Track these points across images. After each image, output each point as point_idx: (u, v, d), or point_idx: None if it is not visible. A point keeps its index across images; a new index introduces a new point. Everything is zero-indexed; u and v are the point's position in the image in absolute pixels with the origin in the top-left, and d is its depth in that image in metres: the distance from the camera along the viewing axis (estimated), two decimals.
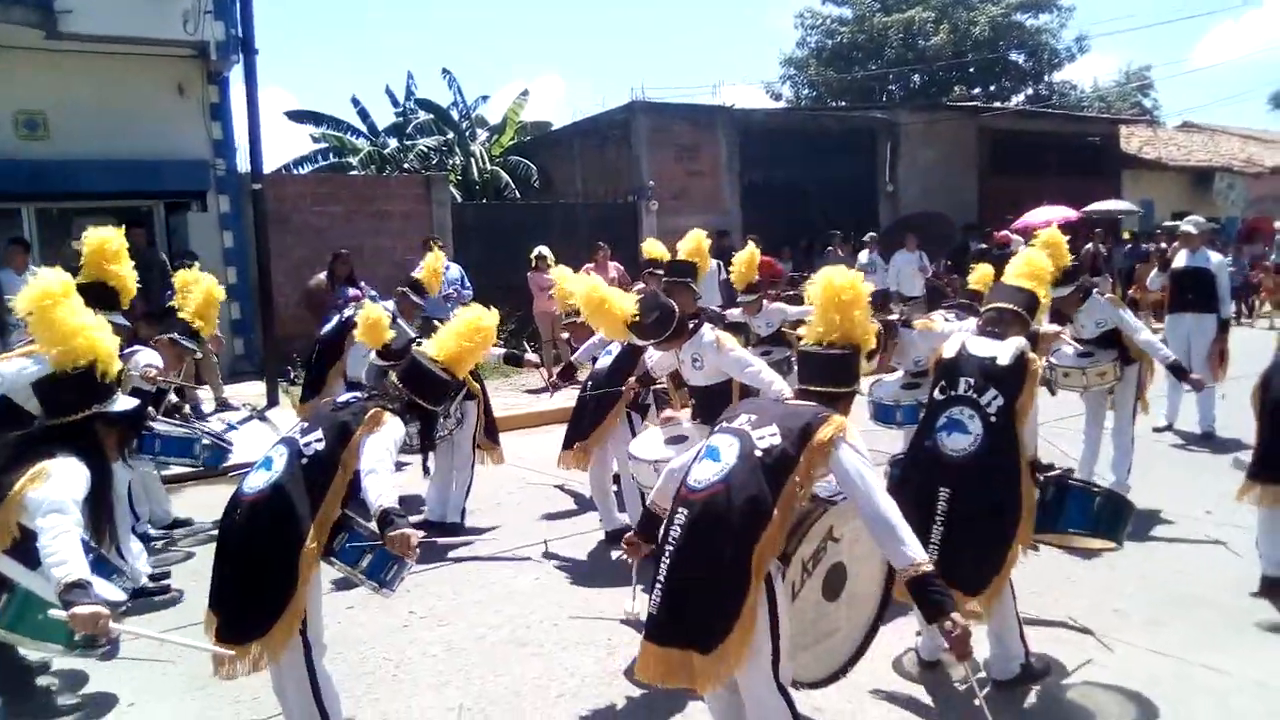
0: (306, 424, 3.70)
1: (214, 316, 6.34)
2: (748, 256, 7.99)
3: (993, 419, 3.89)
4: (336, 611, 5.08)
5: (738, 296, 8.41)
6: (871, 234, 15.60)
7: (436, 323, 8.29)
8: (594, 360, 6.46)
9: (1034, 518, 3.89)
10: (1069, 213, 16.37)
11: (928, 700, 4.10)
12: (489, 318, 4.13)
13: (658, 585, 3.12)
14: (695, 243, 7.34)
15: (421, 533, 3.29)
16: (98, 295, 4.90)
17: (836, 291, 3.40)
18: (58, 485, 2.96)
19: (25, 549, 2.98)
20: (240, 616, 3.42)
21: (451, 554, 6.20)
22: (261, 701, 4.05)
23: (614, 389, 5.86)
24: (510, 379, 12.27)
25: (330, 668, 3.94)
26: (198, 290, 6.31)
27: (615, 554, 6.10)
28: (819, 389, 3.35)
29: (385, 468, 3.41)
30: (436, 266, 7.86)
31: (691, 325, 5.01)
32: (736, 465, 3.07)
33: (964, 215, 19.73)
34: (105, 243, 5.53)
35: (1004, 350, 4.02)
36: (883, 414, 5.99)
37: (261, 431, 9.74)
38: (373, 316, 6.59)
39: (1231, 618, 4.72)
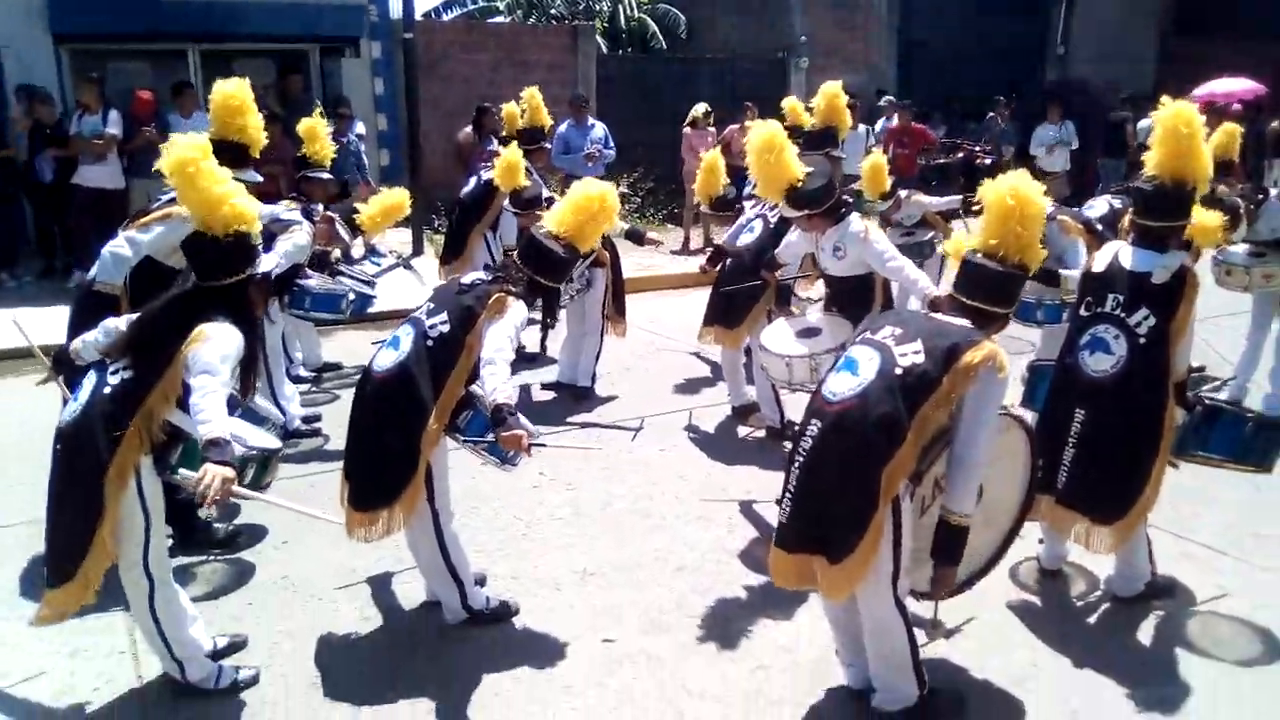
0: (432, 305, 3.80)
1: (388, 224, 6.32)
2: (874, 165, 7.26)
3: (1142, 340, 3.70)
4: (470, 468, 5.34)
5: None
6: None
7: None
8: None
9: (1172, 445, 3.76)
10: (1254, 85, 14.85)
11: (1044, 608, 4.10)
12: (608, 190, 4.01)
13: (788, 495, 3.17)
14: (829, 101, 6.75)
15: (532, 433, 3.44)
16: (228, 153, 4.50)
17: (1022, 203, 3.16)
18: (212, 347, 3.12)
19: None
20: (367, 488, 3.67)
21: (579, 418, 6.43)
22: (403, 550, 4.34)
23: (758, 281, 5.63)
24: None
25: (464, 521, 4.22)
26: (389, 198, 6.25)
27: (742, 431, 6.21)
28: (977, 304, 3.20)
29: (504, 358, 3.48)
30: (535, 104, 7.89)
31: (841, 211, 4.88)
32: (874, 382, 3.03)
33: (1140, 84, 18.25)
34: (229, 97, 5.11)
35: (1160, 265, 3.77)
36: (1023, 311, 5.75)
37: (406, 279, 10.08)
38: (509, 159, 6.64)
39: None
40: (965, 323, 3.16)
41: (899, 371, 3.02)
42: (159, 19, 11.38)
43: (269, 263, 5.26)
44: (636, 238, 6.85)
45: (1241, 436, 3.91)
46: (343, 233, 6.23)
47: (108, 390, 3.18)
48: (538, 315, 6.22)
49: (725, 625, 3.99)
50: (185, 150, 3.37)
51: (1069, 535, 3.96)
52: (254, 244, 3.47)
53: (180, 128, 9.55)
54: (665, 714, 3.46)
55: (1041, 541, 4.31)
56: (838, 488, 3.04)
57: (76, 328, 4.05)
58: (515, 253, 4.01)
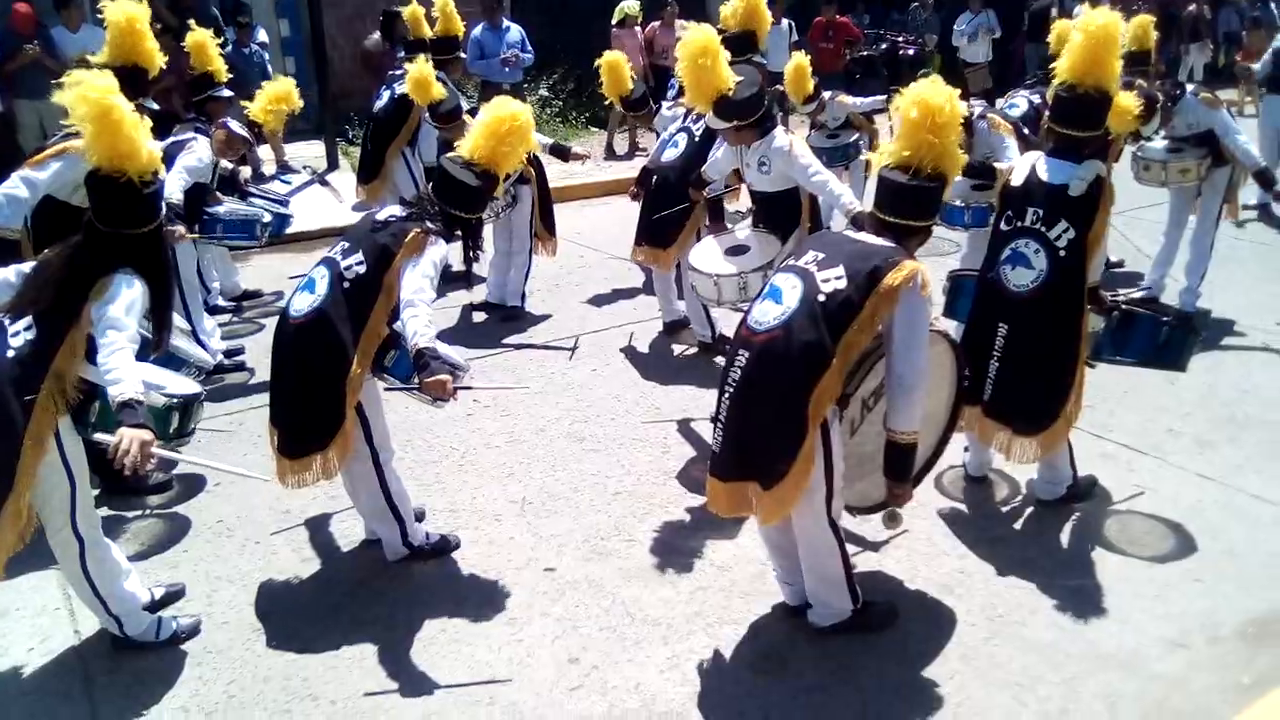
0: (346, 244, 3.66)
1: (283, 114, 6.05)
2: (798, 66, 7.05)
3: (1062, 253, 3.77)
4: (403, 399, 5.28)
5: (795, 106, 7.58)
6: None
7: (506, 88, 7.92)
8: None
9: (1089, 349, 3.87)
10: None
11: (970, 515, 4.24)
12: (522, 110, 3.86)
13: (719, 424, 3.21)
14: (748, 3, 6.61)
15: (461, 368, 3.40)
16: (126, 80, 3.93)
17: (931, 112, 3.13)
18: (116, 301, 3.00)
19: None
20: (296, 436, 3.60)
21: (513, 339, 6.37)
22: (338, 489, 4.29)
23: (687, 203, 5.53)
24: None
25: (400, 454, 4.17)
26: (273, 89, 6.01)
27: (676, 349, 6.22)
28: (895, 220, 3.21)
29: (424, 299, 3.39)
30: (448, 11, 7.49)
31: (767, 125, 4.80)
32: (797, 309, 3.05)
33: None
34: (133, 19, 4.84)
35: (1076, 176, 3.81)
36: (950, 215, 5.79)
37: (322, 195, 9.77)
38: (418, 74, 6.41)
39: None
40: (887, 241, 3.17)
41: (822, 298, 3.04)
42: None
43: (173, 184, 5.04)
44: (561, 154, 6.70)
45: (1156, 339, 4.04)
46: (242, 132, 5.92)
47: (11, 354, 3.03)
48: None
49: (664, 548, 4.06)
50: (103, 92, 3.07)
51: (994, 444, 4.07)
52: (161, 189, 3.30)
53: (67, 44, 8.99)
54: (609, 640, 3.52)
55: (967, 450, 4.43)
56: (767, 417, 3.08)
57: None
58: (430, 185, 3.87)
